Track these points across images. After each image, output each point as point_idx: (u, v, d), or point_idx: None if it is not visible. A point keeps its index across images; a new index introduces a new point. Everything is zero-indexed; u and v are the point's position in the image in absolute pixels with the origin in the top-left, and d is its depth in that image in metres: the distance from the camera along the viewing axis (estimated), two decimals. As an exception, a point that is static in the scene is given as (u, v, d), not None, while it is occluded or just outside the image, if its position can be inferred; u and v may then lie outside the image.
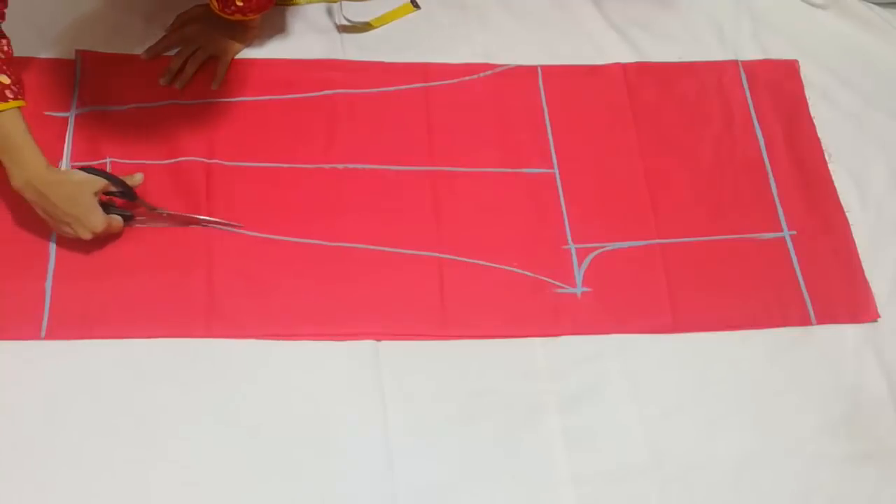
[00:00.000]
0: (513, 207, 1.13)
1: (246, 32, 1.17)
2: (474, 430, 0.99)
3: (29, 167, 0.93)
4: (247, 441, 0.95)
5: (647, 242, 1.13)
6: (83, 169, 0.98)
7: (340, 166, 1.13)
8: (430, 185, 1.13)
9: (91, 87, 1.12)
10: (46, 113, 1.09)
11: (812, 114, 1.26)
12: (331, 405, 0.98)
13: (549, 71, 1.24)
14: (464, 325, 1.05)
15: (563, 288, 1.09)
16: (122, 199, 1.02)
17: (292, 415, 0.97)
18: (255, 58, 1.18)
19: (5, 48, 0.91)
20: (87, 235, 0.97)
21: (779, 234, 1.16)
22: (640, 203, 1.16)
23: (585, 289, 1.09)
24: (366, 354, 1.01)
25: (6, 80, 0.90)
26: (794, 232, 1.16)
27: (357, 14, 1.25)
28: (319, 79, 1.18)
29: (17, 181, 0.94)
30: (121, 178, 1.00)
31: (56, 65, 1.13)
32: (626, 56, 1.27)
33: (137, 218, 1.04)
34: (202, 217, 1.05)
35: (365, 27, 1.24)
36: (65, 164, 1.06)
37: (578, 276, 1.10)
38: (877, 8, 1.38)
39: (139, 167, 1.06)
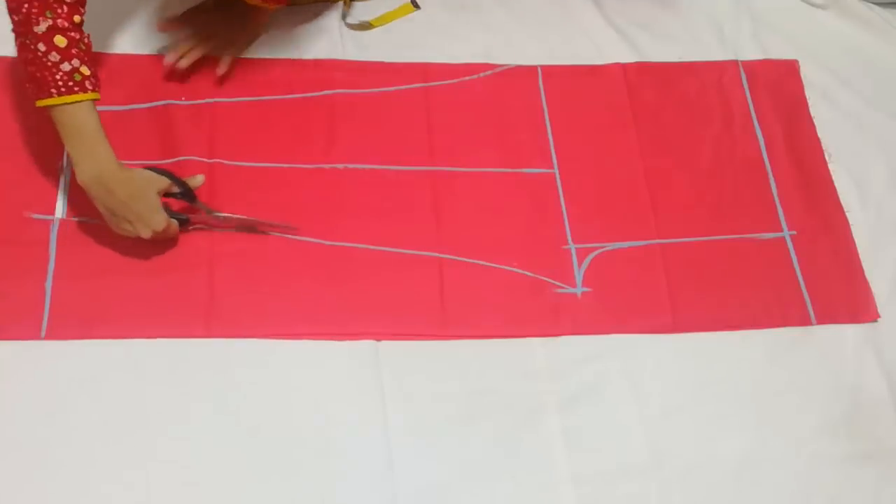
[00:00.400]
0: (513, 207, 1.13)
1: (257, 25, 1.17)
2: (474, 430, 0.99)
3: (100, 162, 0.92)
4: (247, 441, 0.95)
5: (647, 242, 1.13)
6: (146, 168, 0.98)
7: (340, 166, 1.13)
8: (430, 185, 1.13)
9: (91, 87, 1.12)
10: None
11: (812, 114, 1.26)
12: (331, 405, 0.98)
13: (549, 71, 1.24)
14: (464, 325, 1.05)
15: (563, 288, 1.09)
16: (180, 201, 1.02)
17: (292, 415, 0.97)
18: (256, 58, 1.18)
19: (87, 41, 0.92)
20: (147, 234, 0.96)
21: (779, 234, 1.16)
22: (640, 203, 1.16)
23: (585, 289, 1.09)
24: (366, 354, 1.01)
25: (87, 71, 0.90)
26: (794, 232, 1.16)
27: (357, 14, 1.25)
28: (319, 79, 1.18)
29: (84, 175, 0.92)
30: (182, 179, 1.00)
31: (56, 65, 1.13)
32: (626, 56, 1.27)
33: (194, 223, 1.03)
34: (260, 220, 1.05)
35: (365, 27, 1.24)
36: (66, 164, 1.05)
37: (578, 276, 1.10)
38: (877, 8, 1.38)
39: (139, 167, 1.06)
